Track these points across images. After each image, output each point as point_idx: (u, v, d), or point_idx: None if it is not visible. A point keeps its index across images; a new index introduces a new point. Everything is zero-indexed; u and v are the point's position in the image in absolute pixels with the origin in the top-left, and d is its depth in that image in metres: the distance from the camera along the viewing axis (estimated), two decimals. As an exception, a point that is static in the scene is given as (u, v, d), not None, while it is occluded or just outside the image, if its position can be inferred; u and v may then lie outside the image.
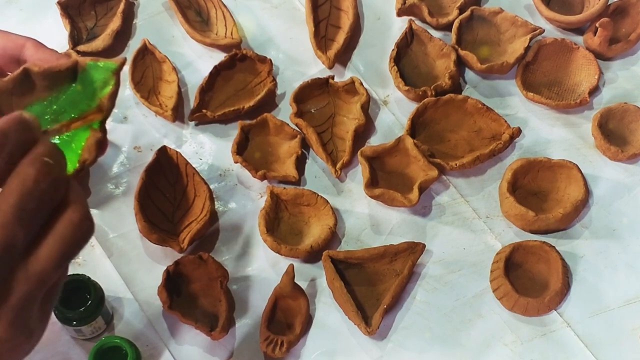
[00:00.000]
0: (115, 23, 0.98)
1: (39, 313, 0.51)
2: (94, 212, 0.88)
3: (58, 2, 0.98)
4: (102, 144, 0.56)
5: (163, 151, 0.88)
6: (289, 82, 0.96)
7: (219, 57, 0.96)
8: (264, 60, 0.95)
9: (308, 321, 0.82)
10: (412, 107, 0.92)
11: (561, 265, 0.83)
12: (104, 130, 0.57)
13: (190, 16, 1.00)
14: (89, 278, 0.79)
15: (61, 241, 0.50)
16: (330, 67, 0.96)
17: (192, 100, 0.95)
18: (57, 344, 0.81)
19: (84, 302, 0.77)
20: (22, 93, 0.56)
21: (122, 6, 0.99)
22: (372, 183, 0.87)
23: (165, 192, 0.88)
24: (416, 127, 0.91)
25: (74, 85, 0.57)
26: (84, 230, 0.51)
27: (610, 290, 0.84)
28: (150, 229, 0.83)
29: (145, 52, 0.97)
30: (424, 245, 0.84)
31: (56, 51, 0.61)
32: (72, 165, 0.55)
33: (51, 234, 0.50)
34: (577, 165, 0.87)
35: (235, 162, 0.89)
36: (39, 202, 0.48)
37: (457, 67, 0.94)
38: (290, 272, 0.80)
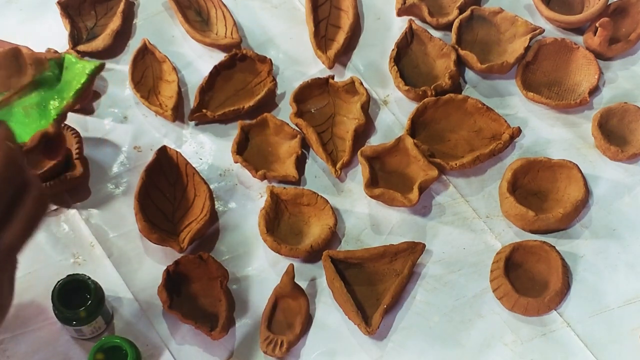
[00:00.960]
0: (115, 23, 0.98)
1: (7, 285, 0.58)
2: (93, 212, 0.88)
3: (58, 2, 0.98)
4: (47, 137, 0.61)
5: (163, 151, 0.88)
6: (289, 82, 0.96)
7: (219, 57, 0.96)
8: (264, 60, 0.95)
9: (308, 321, 0.82)
10: (412, 107, 0.92)
11: (561, 265, 0.83)
12: (56, 126, 0.61)
13: (190, 16, 1.00)
14: (89, 278, 0.79)
15: (28, 216, 0.56)
16: (330, 67, 0.96)
17: (192, 100, 0.94)
18: (57, 344, 0.81)
19: (84, 302, 0.77)
20: (8, 69, 0.58)
21: (122, 6, 0.99)
22: (372, 183, 0.87)
23: (165, 192, 0.88)
24: (416, 127, 0.91)
25: (51, 73, 0.61)
26: (44, 203, 0.57)
27: (610, 290, 0.84)
28: (150, 229, 0.83)
29: (145, 52, 0.97)
30: (424, 245, 0.84)
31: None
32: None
33: (19, 210, 0.55)
34: (577, 165, 0.87)
35: (235, 162, 0.89)
36: (8, 184, 0.54)
37: (457, 67, 0.94)
38: (290, 272, 0.80)
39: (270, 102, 0.94)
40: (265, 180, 0.89)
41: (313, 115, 0.93)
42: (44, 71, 0.62)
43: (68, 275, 0.79)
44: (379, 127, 0.94)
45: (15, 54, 0.61)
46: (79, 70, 0.61)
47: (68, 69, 0.61)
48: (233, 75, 0.95)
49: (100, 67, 0.62)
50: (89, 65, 0.61)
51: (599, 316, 0.83)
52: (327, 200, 0.86)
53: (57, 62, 0.62)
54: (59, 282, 0.78)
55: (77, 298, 0.78)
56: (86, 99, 0.68)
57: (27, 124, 0.62)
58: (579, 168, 0.87)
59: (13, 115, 0.62)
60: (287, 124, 0.91)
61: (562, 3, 0.99)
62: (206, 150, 0.92)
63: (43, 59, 0.61)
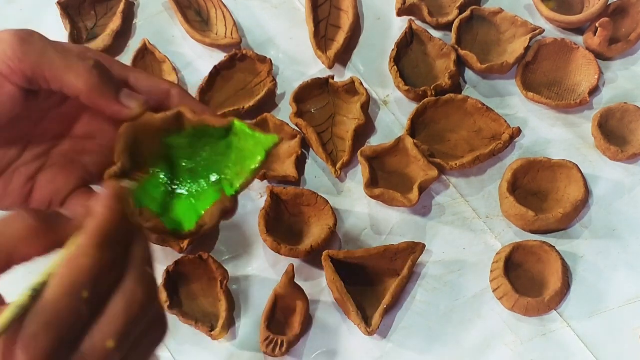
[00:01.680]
0: (115, 23, 0.98)
1: None
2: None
3: (58, 2, 0.98)
4: (227, 214, 0.54)
5: (163, 151, 0.88)
6: (289, 82, 0.96)
7: (219, 57, 0.96)
8: (264, 60, 0.95)
9: (308, 321, 0.82)
10: (412, 107, 0.92)
11: (561, 265, 0.83)
12: (234, 202, 0.54)
13: (190, 16, 1.00)
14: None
15: (128, 304, 0.46)
16: (330, 67, 0.96)
17: (192, 100, 0.94)
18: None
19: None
20: (168, 133, 0.54)
21: (122, 6, 0.99)
22: (372, 183, 0.87)
23: (165, 192, 0.88)
24: (416, 127, 0.91)
25: (222, 141, 0.54)
26: (140, 302, 0.46)
27: (611, 290, 0.84)
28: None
29: (145, 52, 0.97)
30: (424, 245, 0.84)
31: (200, 103, 0.59)
32: (188, 225, 0.53)
33: (115, 298, 0.46)
34: (577, 165, 0.87)
35: (235, 162, 0.89)
36: (108, 254, 0.45)
37: (457, 67, 0.94)
38: (290, 272, 0.80)
39: (270, 102, 0.95)
40: (265, 181, 0.89)
41: (313, 115, 0.93)
42: (206, 138, 0.54)
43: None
44: (379, 127, 0.94)
45: (177, 117, 0.53)
46: (252, 145, 0.53)
47: (239, 137, 0.54)
48: (233, 76, 0.96)
49: (277, 144, 0.53)
50: (265, 141, 0.53)
51: (599, 316, 0.83)
52: (327, 200, 0.86)
53: (225, 127, 0.54)
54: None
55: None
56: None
57: (193, 192, 0.54)
58: (579, 168, 0.87)
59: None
60: (287, 124, 0.91)
61: (562, 3, 0.99)
62: (206, 150, 0.92)
63: (209, 127, 0.54)
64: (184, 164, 0.55)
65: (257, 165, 0.53)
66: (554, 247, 0.84)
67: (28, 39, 0.51)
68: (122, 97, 0.53)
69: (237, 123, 0.54)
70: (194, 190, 0.54)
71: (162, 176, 0.54)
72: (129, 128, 0.52)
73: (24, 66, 0.51)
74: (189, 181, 0.55)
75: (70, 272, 0.44)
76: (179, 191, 0.54)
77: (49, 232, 0.46)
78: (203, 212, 0.54)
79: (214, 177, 0.54)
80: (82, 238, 0.45)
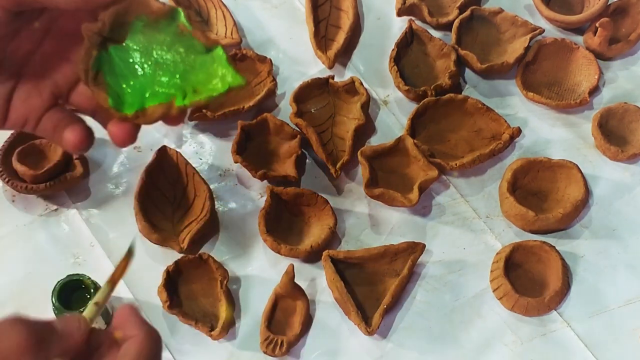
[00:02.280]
0: (115, 23, 0.98)
1: None
2: (93, 212, 0.88)
3: (58, 2, 0.98)
4: (167, 119, 0.55)
5: (163, 151, 0.88)
6: (289, 82, 0.96)
7: (219, 57, 0.96)
8: (264, 60, 0.95)
9: (308, 321, 0.82)
10: (412, 107, 0.92)
11: (561, 265, 0.83)
12: (179, 113, 0.55)
13: (190, 16, 1.00)
14: (89, 278, 0.79)
15: None
16: (330, 67, 0.96)
17: (192, 100, 0.94)
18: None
19: (84, 302, 0.77)
20: (156, 21, 0.54)
21: (122, 6, 0.99)
22: (372, 183, 0.87)
23: (165, 192, 0.88)
24: (416, 127, 0.91)
25: (199, 56, 0.55)
26: None
27: (611, 290, 0.84)
28: (150, 229, 0.83)
29: (145, 52, 0.97)
30: (424, 245, 0.84)
31: None
32: (129, 109, 0.54)
33: None
34: (577, 165, 0.87)
35: (235, 162, 0.88)
36: None
37: (457, 67, 0.94)
38: (290, 272, 0.80)
39: (270, 102, 0.95)
40: (265, 180, 0.89)
41: (313, 115, 0.93)
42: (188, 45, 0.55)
43: (68, 276, 0.79)
44: (379, 127, 0.94)
45: (172, 13, 0.54)
46: (220, 75, 0.55)
47: (214, 61, 0.55)
48: (233, 75, 0.95)
49: (241, 86, 0.55)
50: (233, 78, 0.54)
51: (599, 316, 0.83)
52: (327, 200, 0.86)
53: (207, 47, 0.55)
54: (58, 282, 0.78)
55: (77, 298, 0.78)
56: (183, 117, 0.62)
57: (149, 83, 0.55)
58: (579, 168, 0.87)
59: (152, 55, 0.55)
60: (287, 124, 0.91)
61: (562, 3, 0.99)
62: (206, 150, 0.92)
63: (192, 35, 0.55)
64: (156, 54, 0.55)
65: (214, 94, 0.55)
66: (554, 247, 0.84)
67: None
68: None
69: (220, 49, 0.55)
70: (150, 82, 0.55)
71: (132, 51, 0.55)
72: (124, 2, 0.53)
73: None
74: (151, 70, 0.55)
75: None
76: (139, 75, 0.55)
77: (41, 347, 0.47)
78: (147, 106, 0.55)
79: (175, 80, 0.55)
80: None
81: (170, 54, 0.55)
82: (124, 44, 0.55)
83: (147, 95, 0.55)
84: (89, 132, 0.54)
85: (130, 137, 0.55)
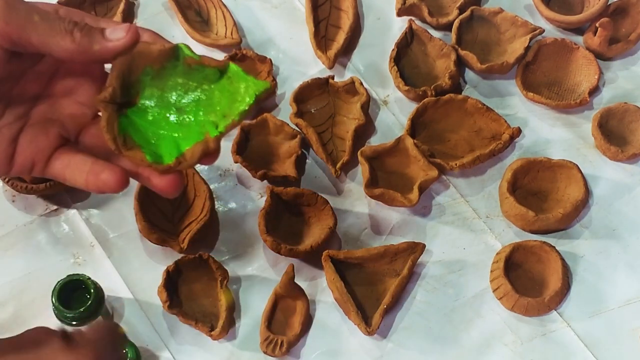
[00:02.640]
0: (115, 23, 0.98)
1: None
2: (93, 212, 0.88)
3: (58, 2, 0.98)
4: (208, 157, 0.54)
5: (163, 151, 0.88)
6: (289, 82, 0.96)
7: (219, 57, 0.96)
8: (264, 60, 0.95)
9: (308, 321, 0.82)
10: (412, 107, 0.92)
11: (561, 265, 0.83)
12: (217, 143, 0.54)
13: (190, 16, 1.00)
14: (89, 278, 0.79)
15: None
16: (330, 67, 0.96)
17: (192, 100, 0.94)
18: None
19: (84, 302, 0.77)
20: (162, 67, 0.54)
21: (122, 6, 0.99)
22: (372, 183, 0.87)
23: (165, 192, 0.88)
24: (416, 127, 0.91)
25: (215, 83, 0.55)
26: None
27: (611, 290, 0.84)
28: (150, 229, 0.83)
29: (145, 52, 0.97)
30: (424, 245, 0.84)
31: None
32: (168, 159, 0.53)
33: None
34: (577, 165, 0.87)
35: (235, 162, 0.89)
36: None
37: (457, 67, 0.94)
38: (290, 272, 0.80)
39: (270, 102, 0.95)
40: (265, 180, 0.89)
41: (313, 115, 0.93)
42: (199, 77, 0.54)
43: (68, 276, 0.79)
44: (379, 127, 0.94)
45: (174, 52, 0.53)
46: (243, 89, 0.54)
47: (232, 80, 0.54)
48: (233, 76, 0.95)
49: (268, 90, 0.54)
50: (255, 85, 0.53)
51: (599, 316, 0.83)
52: (327, 200, 0.86)
53: (220, 69, 0.54)
54: (58, 282, 0.78)
55: (77, 298, 0.78)
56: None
57: (178, 128, 0.54)
58: (579, 168, 0.87)
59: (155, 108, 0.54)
60: (287, 124, 0.91)
61: (562, 3, 0.99)
62: (206, 150, 0.92)
63: (205, 66, 0.54)
64: (173, 100, 0.55)
65: (244, 108, 0.54)
66: (554, 247, 0.84)
67: (14, 3, 0.52)
68: (107, 35, 0.53)
69: (233, 65, 0.54)
70: (179, 126, 0.54)
71: (150, 108, 0.54)
72: (124, 58, 0.53)
73: (9, 29, 0.51)
74: (176, 117, 0.55)
75: None
76: (164, 125, 0.54)
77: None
78: (184, 150, 0.54)
79: (201, 116, 0.54)
80: None
81: (187, 93, 0.54)
82: (139, 104, 0.54)
83: (179, 139, 0.54)
84: (124, 171, 0.53)
85: (178, 185, 0.54)
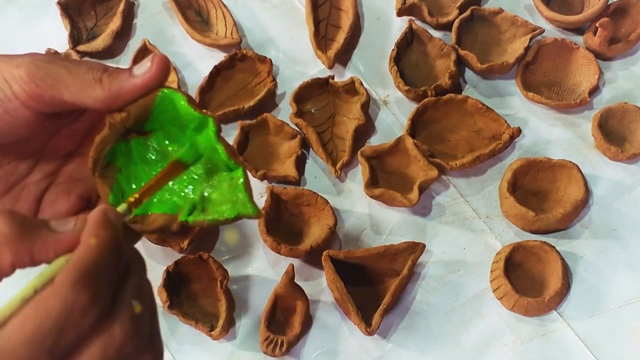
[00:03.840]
0: (115, 23, 0.98)
1: None
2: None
3: (58, 2, 0.98)
4: (165, 231, 0.51)
5: (163, 151, 0.88)
6: (289, 82, 0.96)
7: (219, 57, 0.96)
8: (264, 60, 0.95)
9: (308, 321, 0.82)
10: (412, 107, 0.92)
11: (561, 265, 0.83)
12: (179, 228, 0.51)
13: (190, 16, 1.00)
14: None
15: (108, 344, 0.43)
16: (330, 67, 0.96)
17: (192, 100, 0.94)
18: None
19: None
20: (184, 124, 0.51)
21: (122, 6, 0.99)
22: (372, 183, 0.87)
23: (165, 192, 0.88)
24: (416, 127, 0.91)
25: (222, 174, 0.52)
26: (119, 347, 0.43)
27: (611, 290, 0.84)
28: (150, 229, 0.83)
29: (145, 52, 0.97)
30: (424, 245, 0.84)
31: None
32: (129, 208, 0.51)
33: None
34: (577, 165, 0.87)
35: (235, 162, 0.88)
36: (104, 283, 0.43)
37: (457, 67, 0.94)
38: (290, 272, 0.80)
39: (270, 102, 0.95)
40: (265, 180, 0.89)
41: (313, 116, 0.93)
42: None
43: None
44: (379, 127, 0.94)
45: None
46: (232, 200, 0.50)
47: (231, 183, 0.51)
48: (233, 76, 0.95)
49: (251, 217, 0.51)
50: (244, 206, 0.50)
51: (599, 316, 0.83)
52: (327, 200, 0.86)
53: (231, 165, 0.51)
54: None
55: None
56: None
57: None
58: (579, 168, 0.87)
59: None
60: (287, 124, 0.91)
61: (562, 3, 0.99)
62: (206, 150, 0.92)
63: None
64: (175, 156, 0.52)
65: (219, 218, 0.51)
66: (554, 247, 0.84)
67: (41, 64, 0.50)
68: (134, 72, 0.50)
69: (241, 173, 0.51)
70: (162, 188, 0.52)
71: (153, 151, 0.53)
72: (155, 94, 0.50)
73: (40, 91, 0.49)
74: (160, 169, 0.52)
75: (36, 315, 0.41)
76: (150, 178, 0.52)
77: (25, 242, 0.43)
78: (149, 213, 0.51)
79: (187, 192, 0.52)
80: (60, 275, 0.42)
81: (191, 162, 0.52)
82: (146, 140, 0.52)
83: (154, 200, 0.52)
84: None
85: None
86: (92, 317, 0.42)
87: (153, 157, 0.53)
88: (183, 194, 0.52)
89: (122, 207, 0.50)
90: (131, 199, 0.51)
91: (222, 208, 0.51)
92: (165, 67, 0.50)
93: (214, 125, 0.52)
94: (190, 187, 0.52)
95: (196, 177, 0.52)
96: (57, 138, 0.55)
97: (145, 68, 0.50)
